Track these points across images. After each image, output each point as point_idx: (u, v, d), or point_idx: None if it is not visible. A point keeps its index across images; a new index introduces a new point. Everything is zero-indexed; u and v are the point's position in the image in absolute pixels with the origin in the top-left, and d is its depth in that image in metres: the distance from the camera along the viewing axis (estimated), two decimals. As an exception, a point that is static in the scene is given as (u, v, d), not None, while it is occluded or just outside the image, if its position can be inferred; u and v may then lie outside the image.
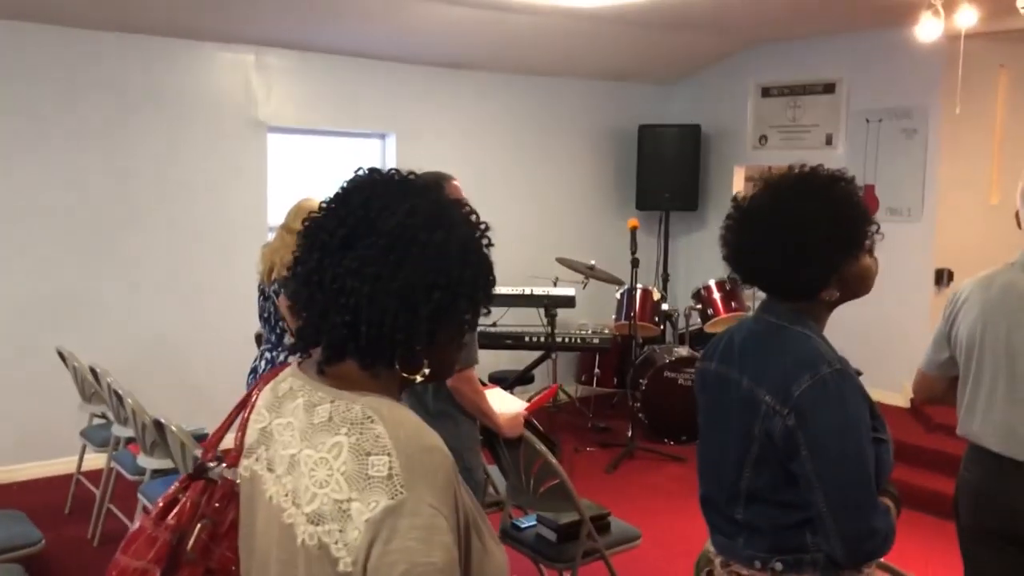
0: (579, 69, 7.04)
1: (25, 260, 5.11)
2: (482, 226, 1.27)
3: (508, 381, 6.00)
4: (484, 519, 1.25)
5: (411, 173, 1.27)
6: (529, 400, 3.51)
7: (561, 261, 6.24)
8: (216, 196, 5.62)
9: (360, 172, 1.26)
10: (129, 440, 4.12)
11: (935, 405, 4.01)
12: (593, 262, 6.23)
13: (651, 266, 7.40)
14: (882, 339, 6.28)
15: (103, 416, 4.57)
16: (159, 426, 3.44)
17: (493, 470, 3.63)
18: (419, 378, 1.24)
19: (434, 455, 1.13)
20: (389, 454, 1.11)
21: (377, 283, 1.15)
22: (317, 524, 1.13)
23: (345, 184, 1.25)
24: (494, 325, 5.76)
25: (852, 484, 1.69)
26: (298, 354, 1.29)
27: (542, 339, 5.69)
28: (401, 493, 1.08)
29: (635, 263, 5.76)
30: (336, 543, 1.10)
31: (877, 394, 6.11)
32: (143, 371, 5.08)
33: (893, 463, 1.85)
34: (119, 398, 3.89)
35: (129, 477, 4.03)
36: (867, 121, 6.31)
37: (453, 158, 6.55)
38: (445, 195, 1.26)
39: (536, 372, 6.12)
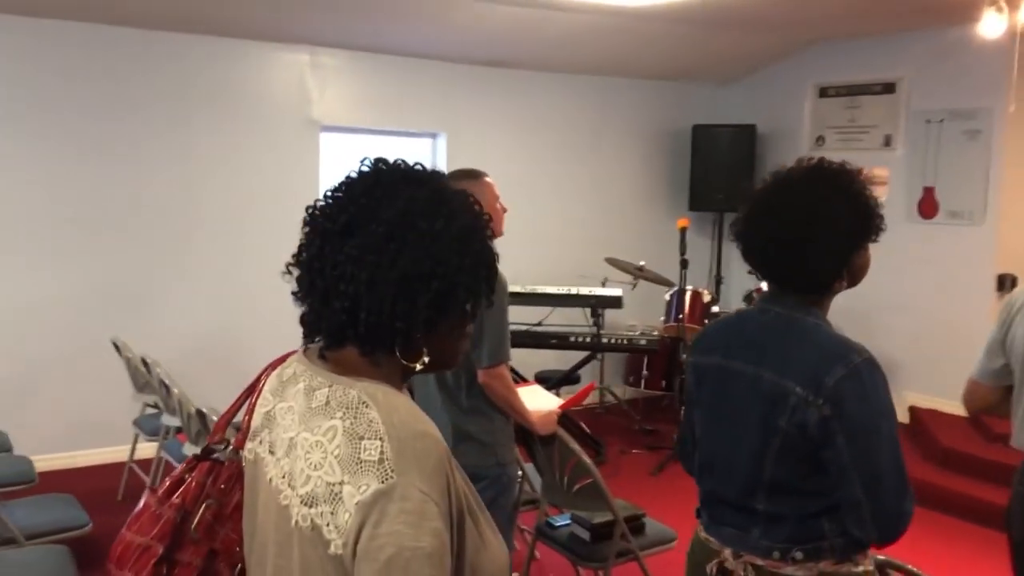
0: (632, 68, 6.99)
1: (84, 254, 5.27)
2: (484, 216, 1.26)
3: (553, 381, 5.98)
4: (483, 509, 1.25)
5: (417, 163, 1.27)
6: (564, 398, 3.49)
7: (610, 261, 6.20)
8: (271, 194, 5.71)
9: (365, 161, 1.26)
10: (178, 429, 4.21)
11: (988, 415, 3.88)
12: (643, 263, 6.18)
13: (704, 268, 7.32)
14: (941, 346, 6.11)
15: (155, 406, 4.69)
16: (202, 416, 3.52)
17: (530, 468, 3.63)
18: (419, 366, 1.24)
19: (426, 441, 1.13)
20: (381, 439, 1.11)
21: (376, 270, 1.16)
22: (310, 506, 1.14)
23: (350, 173, 1.26)
24: (539, 324, 5.76)
25: (889, 469, 1.73)
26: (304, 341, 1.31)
27: (588, 339, 5.66)
28: (391, 477, 1.09)
29: (684, 264, 5.70)
30: (328, 525, 1.11)
31: (935, 403, 5.99)
32: (197, 364, 5.20)
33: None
34: (167, 388, 3.99)
35: (177, 465, 4.11)
36: (928, 122, 6.15)
37: (504, 157, 6.58)
38: (448, 185, 1.26)
39: (583, 373, 6.09)
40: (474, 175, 3.02)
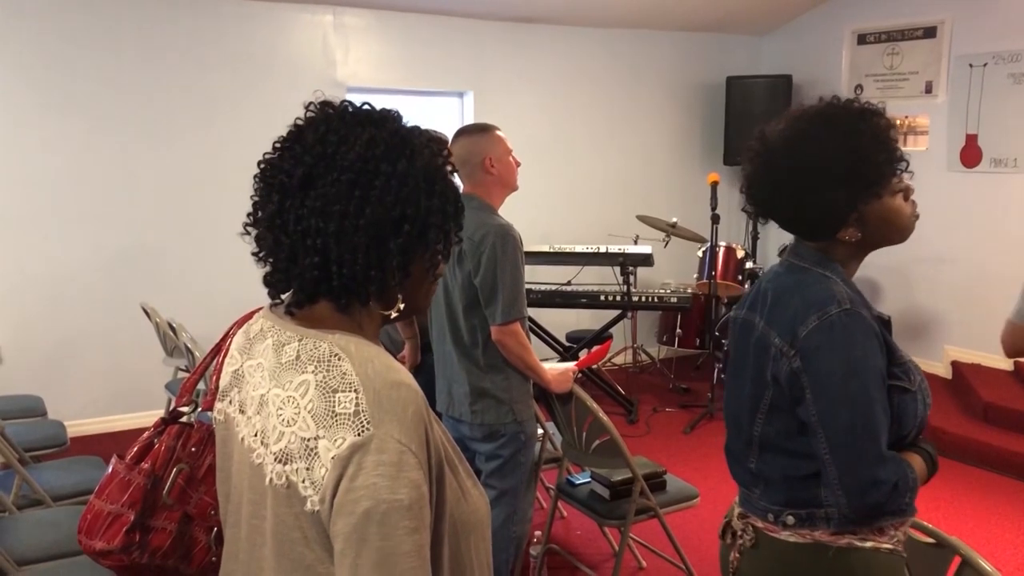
0: (663, 21, 6.83)
1: (113, 221, 5.33)
2: (444, 152, 1.21)
3: (585, 340, 5.94)
4: (462, 460, 1.22)
5: (365, 103, 1.21)
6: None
7: (642, 219, 6.11)
8: (297, 157, 5.69)
9: (311, 107, 1.21)
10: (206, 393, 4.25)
11: (1024, 357, 3.75)
12: (675, 219, 6.07)
13: (741, 223, 7.18)
14: (984, 299, 5.93)
15: (185, 370, 4.74)
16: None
17: (552, 427, 3.60)
18: (394, 314, 1.21)
19: (402, 390, 1.09)
20: (356, 391, 1.08)
21: (344, 221, 1.12)
22: (285, 463, 1.11)
23: (298, 121, 1.21)
24: (568, 284, 5.70)
25: (855, 430, 1.58)
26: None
27: (618, 298, 5.59)
28: (368, 429, 1.05)
29: (715, 219, 5.57)
30: (303, 482, 1.08)
31: (978, 356, 5.84)
32: (223, 328, 5.23)
33: (924, 417, 1.70)
34: (192, 354, 4.02)
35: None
36: (970, 66, 5.91)
37: (533, 115, 6.49)
38: (403, 123, 1.21)
39: (614, 332, 6.03)
40: (484, 128, 2.98)
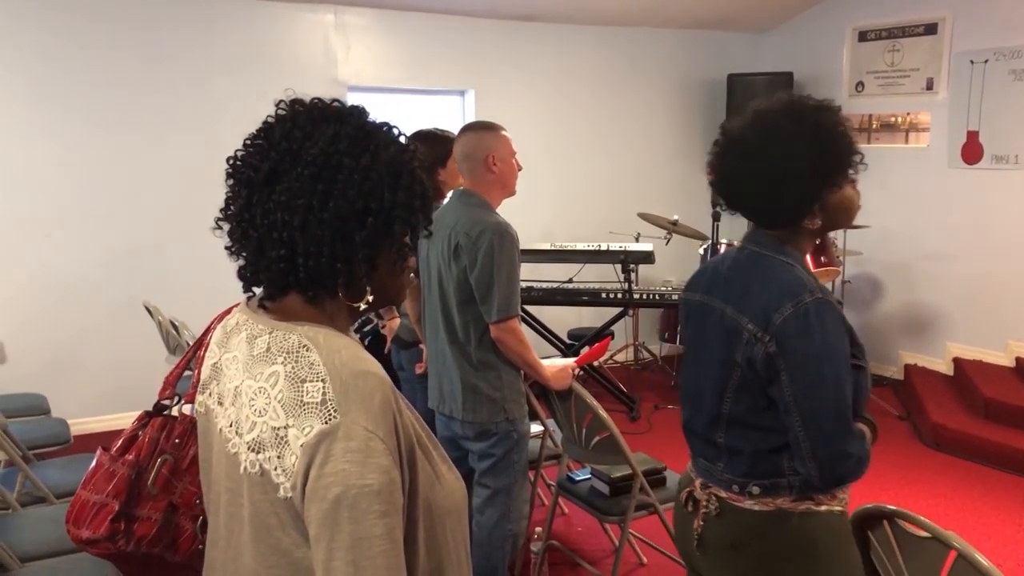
0: (664, 18, 6.83)
1: (114, 219, 5.35)
2: (411, 147, 1.24)
3: (586, 338, 5.95)
4: (436, 446, 1.24)
5: (335, 101, 1.24)
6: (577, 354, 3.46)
7: (643, 216, 6.12)
8: (298, 156, 5.71)
9: (281, 105, 1.23)
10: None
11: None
12: (676, 217, 6.08)
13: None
14: (985, 296, 5.94)
15: (189, 368, 4.75)
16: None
17: (552, 424, 3.61)
18: (363, 306, 1.23)
19: (368, 379, 1.12)
20: (323, 380, 1.11)
21: (308, 214, 1.14)
22: (257, 452, 1.14)
23: (268, 118, 1.23)
24: (570, 281, 5.71)
25: (829, 409, 1.73)
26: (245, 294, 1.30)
27: (619, 296, 5.60)
28: (335, 417, 1.08)
29: (716, 216, 5.58)
30: (275, 469, 1.11)
31: (979, 353, 5.83)
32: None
33: (870, 389, 1.90)
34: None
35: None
36: (972, 63, 5.91)
37: (533, 113, 6.50)
38: (370, 119, 1.23)
39: (615, 330, 6.03)
40: (491, 127, 2.98)
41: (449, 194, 3.15)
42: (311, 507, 1.08)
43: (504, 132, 2.97)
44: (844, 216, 1.88)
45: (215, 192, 4.94)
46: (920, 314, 6.41)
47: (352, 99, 5.77)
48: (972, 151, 5.94)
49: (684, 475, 2.07)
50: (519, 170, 3.00)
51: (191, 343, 4.03)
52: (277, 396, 1.13)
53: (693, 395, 1.98)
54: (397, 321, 3.63)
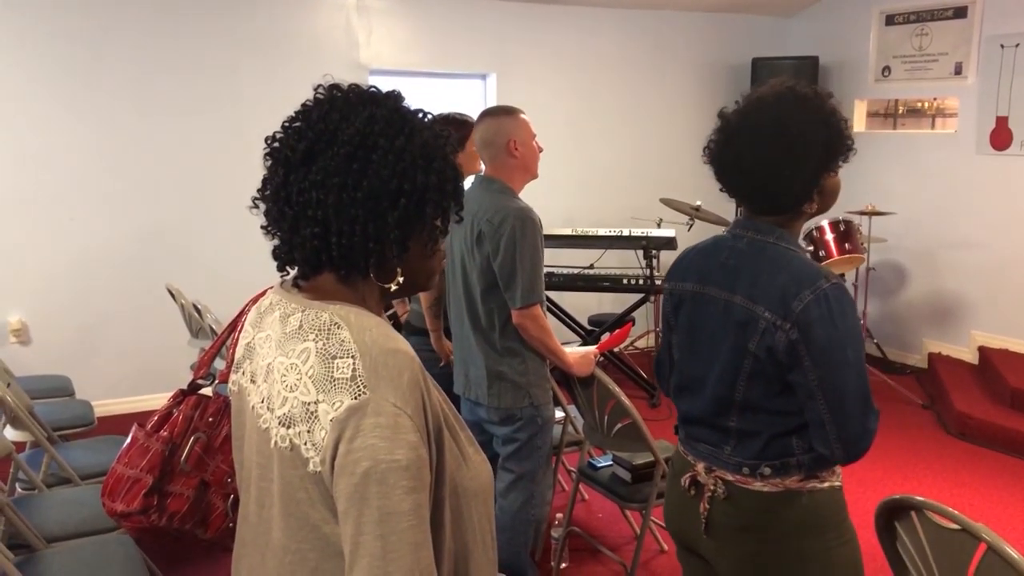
0: (688, 2, 6.76)
1: (138, 202, 5.38)
2: (445, 133, 1.26)
3: (607, 324, 5.93)
4: (463, 427, 1.26)
5: (372, 86, 1.26)
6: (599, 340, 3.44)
7: (666, 202, 6.07)
8: (320, 139, 5.71)
9: (320, 89, 1.25)
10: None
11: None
12: (699, 202, 6.03)
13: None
14: (1013, 285, 5.86)
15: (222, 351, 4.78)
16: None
17: (573, 410, 3.61)
18: (394, 287, 1.24)
19: (398, 357, 1.13)
20: (353, 356, 1.12)
21: (342, 192, 1.16)
22: (288, 427, 1.15)
23: (306, 101, 1.25)
24: (591, 267, 5.69)
25: (854, 391, 1.77)
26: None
27: (641, 282, 5.57)
28: (364, 393, 1.09)
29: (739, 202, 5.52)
30: (305, 444, 1.13)
31: (1005, 341, 5.79)
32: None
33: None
34: (216, 334, 4.05)
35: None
36: (1002, 47, 5.81)
37: (556, 97, 6.47)
38: (405, 103, 1.25)
39: (638, 316, 6.01)
40: (510, 111, 2.96)
41: (470, 179, 3.14)
42: (340, 481, 1.09)
43: (523, 115, 2.95)
44: (832, 201, 1.91)
45: (237, 175, 4.96)
46: (945, 302, 6.34)
47: (374, 83, 5.86)
48: (1001, 137, 5.85)
49: (676, 461, 2.08)
50: (540, 151, 2.98)
51: (213, 326, 4.07)
52: (308, 372, 1.14)
53: (697, 385, 1.97)
54: (406, 308, 3.65)
